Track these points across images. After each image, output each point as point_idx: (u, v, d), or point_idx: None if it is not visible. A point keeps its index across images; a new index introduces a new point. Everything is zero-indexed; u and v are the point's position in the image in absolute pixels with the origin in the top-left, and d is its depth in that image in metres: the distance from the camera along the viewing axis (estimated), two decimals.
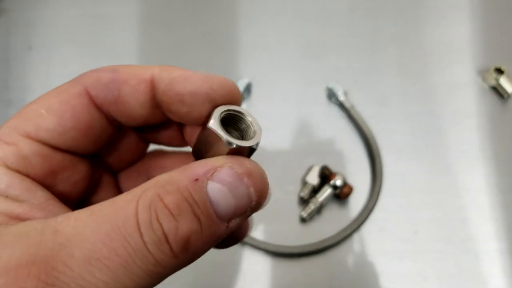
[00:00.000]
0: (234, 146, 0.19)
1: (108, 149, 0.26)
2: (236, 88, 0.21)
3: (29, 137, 0.20)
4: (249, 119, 0.21)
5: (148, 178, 0.28)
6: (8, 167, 0.20)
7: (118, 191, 0.28)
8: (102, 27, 0.64)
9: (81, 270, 0.16)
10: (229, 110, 0.20)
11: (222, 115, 0.20)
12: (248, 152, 0.20)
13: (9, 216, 0.19)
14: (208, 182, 0.18)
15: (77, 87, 0.21)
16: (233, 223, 0.19)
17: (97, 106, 0.21)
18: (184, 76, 0.21)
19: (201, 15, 0.64)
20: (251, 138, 0.20)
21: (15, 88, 0.61)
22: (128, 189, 0.28)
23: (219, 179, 0.18)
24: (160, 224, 0.17)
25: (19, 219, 0.19)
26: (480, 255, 0.52)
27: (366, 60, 0.62)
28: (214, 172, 0.18)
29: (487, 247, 0.52)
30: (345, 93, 0.58)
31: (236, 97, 0.21)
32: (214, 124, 0.19)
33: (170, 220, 0.17)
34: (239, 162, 0.19)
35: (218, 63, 0.62)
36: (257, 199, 0.19)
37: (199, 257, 0.18)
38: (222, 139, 0.19)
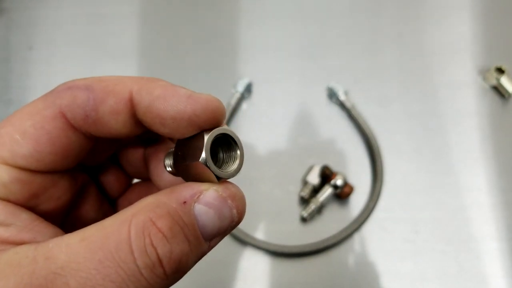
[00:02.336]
0: (223, 178, 0.20)
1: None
2: (221, 108, 0.20)
3: (6, 163, 0.19)
4: (234, 140, 0.21)
5: (129, 170, 0.28)
6: None
7: (100, 196, 0.27)
8: (103, 26, 0.64)
9: None
10: (217, 135, 0.20)
11: (210, 143, 0.20)
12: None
13: None
14: (195, 204, 0.19)
15: (52, 109, 0.20)
16: (214, 241, 0.20)
17: (74, 128, 0.20)
18: (165, 97, 0.19)
19: (201, 15, 0.64)
20: (236, 159, 0.21)
21: (16, 87, 0.61)
22: (110, 185, 0.28)
23: (205, 202, 0.19)
24: (155, 249, 0.17)
25: (8, 242, 0.19)
26: (481, 255, 0.52)
27: (367, 59, 0.61)
28: (200, 195, 0.19)
29: (488, 247, 0.52)
30: (346, 93, 0.58)
31: (220, 118, 0.20)
32: (205, 159, 0.19)
33: (164, 244, 0.18)
34: (223, 186, 0.20)
35: (218, 63, 0.62)
36: (237, 220, 0.20)
37: (183, 275, 0.19)
38: (214, 173, 0.20)
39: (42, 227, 0.20)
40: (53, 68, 0.62)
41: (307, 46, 0.63)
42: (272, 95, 0.60)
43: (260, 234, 0.53)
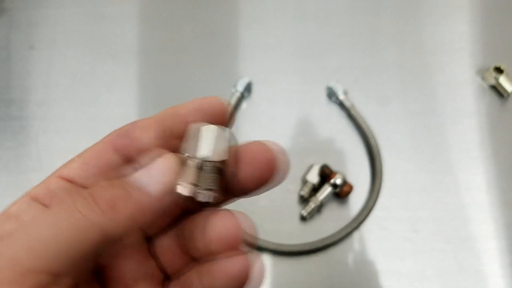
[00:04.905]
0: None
1: None
2: (219, 100, 0.24)
3: (60, 177, 0.24)
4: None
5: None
6: (35, 200, 0.23)
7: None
8: (103, 26, 0.64)
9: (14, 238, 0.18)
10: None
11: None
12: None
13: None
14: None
15: (104, 139, 0.25)
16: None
17: (116, 150, 0.24)
18: (184, 103, 0.24)
19: (201, 15, 0.65)
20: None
21: (16, 87, 0.61)
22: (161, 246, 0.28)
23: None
24: (85, 188, 0.21)
25: None
26: (480, 254, 0.52)
27: (366, 59, 0.62)
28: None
29: (487, 246, 0.52)
30: (345, 92, 0.58)
31: (221, 105, 0.24)
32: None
33: (93, 186, 0.21)
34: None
35: (218, 62, 0.62)
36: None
37: (144, 220, 0.21)
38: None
39: None
40: (54, 68, 0.62)
41: (307, 45, 0.63)
42: (272, 95, 0.60)
43: (259, 233, 0.53)
